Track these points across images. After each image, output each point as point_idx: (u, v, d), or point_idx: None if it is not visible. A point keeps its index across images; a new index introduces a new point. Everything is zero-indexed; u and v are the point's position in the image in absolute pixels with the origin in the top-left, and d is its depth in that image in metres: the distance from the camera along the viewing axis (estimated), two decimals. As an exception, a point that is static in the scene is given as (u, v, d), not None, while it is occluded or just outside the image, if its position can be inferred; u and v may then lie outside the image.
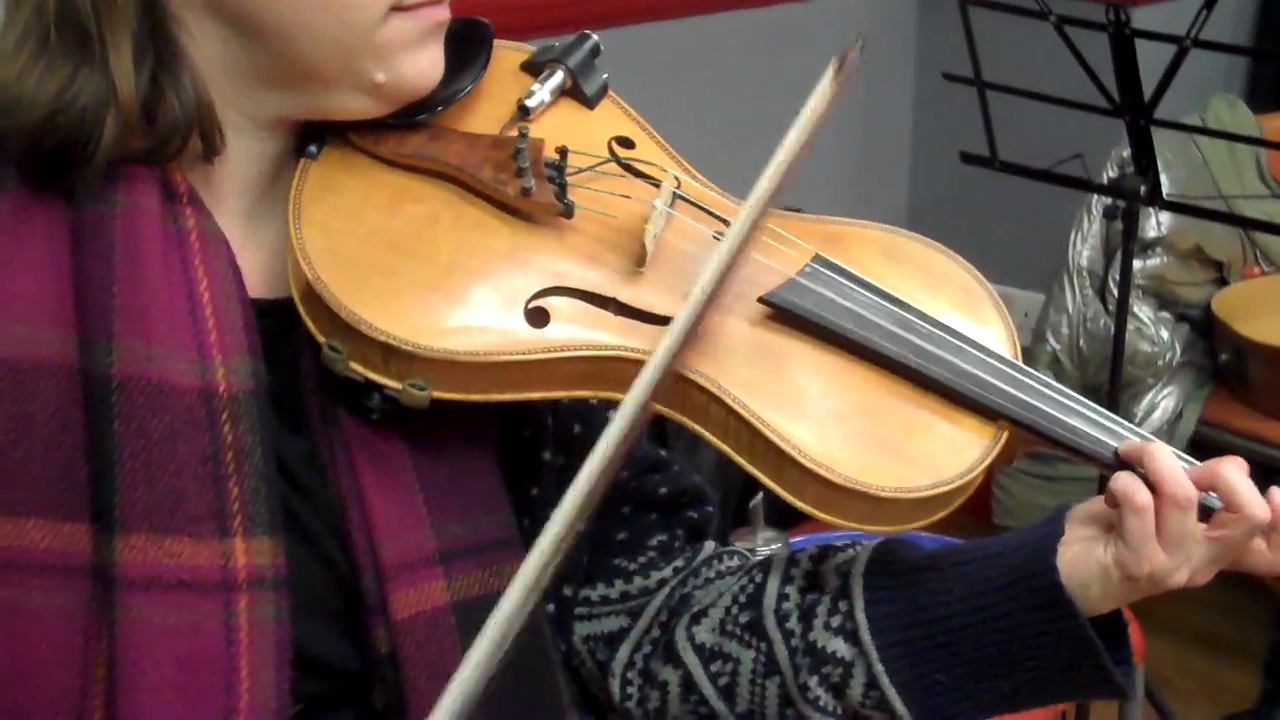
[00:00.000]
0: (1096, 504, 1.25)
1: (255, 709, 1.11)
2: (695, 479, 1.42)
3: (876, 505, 1.17)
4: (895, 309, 1.23)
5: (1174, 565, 1.18)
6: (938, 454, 1.19)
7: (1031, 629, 1.21)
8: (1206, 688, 3.44)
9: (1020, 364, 1.24)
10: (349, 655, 1.19)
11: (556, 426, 1.31)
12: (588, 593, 1.37)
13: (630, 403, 1.00)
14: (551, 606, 1.31)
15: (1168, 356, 3.61)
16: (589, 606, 1.37)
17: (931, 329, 1.23)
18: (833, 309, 1.21)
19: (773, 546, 2.08)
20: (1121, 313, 2.83)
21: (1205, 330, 3.66)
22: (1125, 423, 1.23)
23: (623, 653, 1.36)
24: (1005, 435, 1.21)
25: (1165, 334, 3.62)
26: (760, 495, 2.38)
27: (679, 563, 1.38)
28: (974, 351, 1.22)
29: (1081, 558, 1.20)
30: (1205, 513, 1.18)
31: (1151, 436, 1.22)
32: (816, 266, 1.23)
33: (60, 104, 1.09)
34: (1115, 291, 3.14)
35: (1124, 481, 1.18)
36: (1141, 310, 3.61)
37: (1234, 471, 1.18)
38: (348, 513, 1.17)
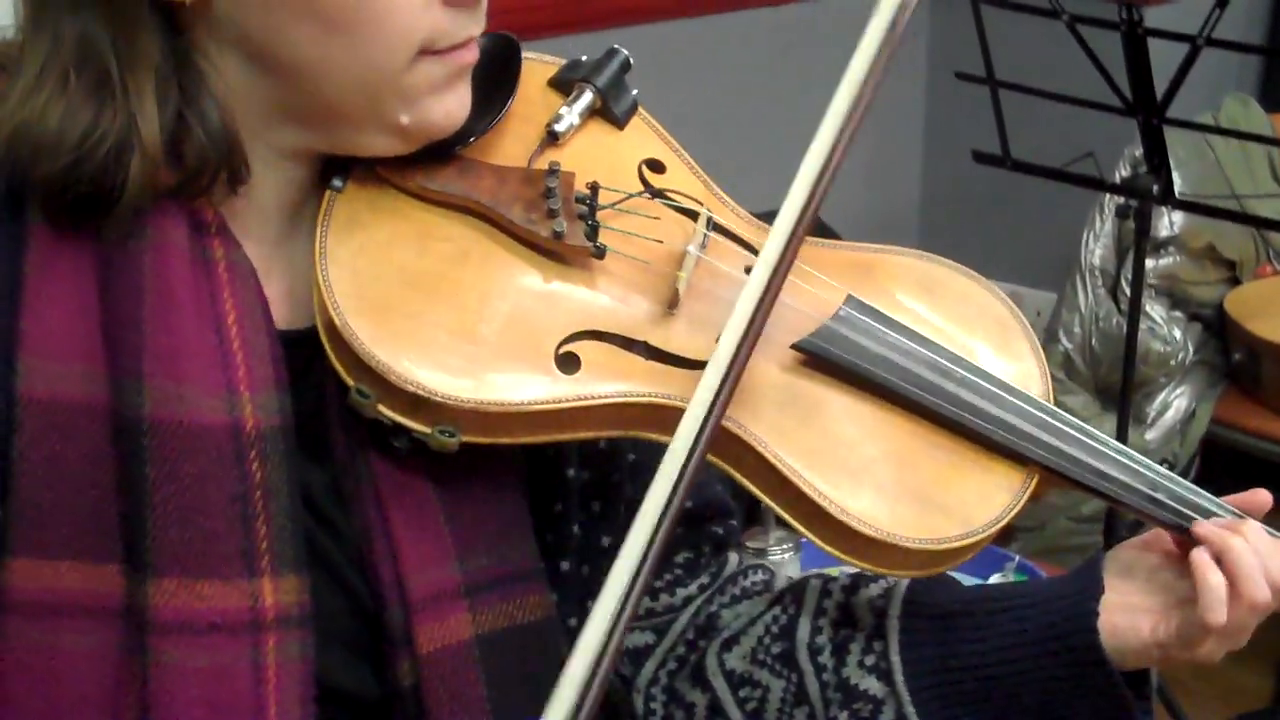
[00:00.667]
0: (1139, 557, 1.25)
1: None
2: (718, 490, 1.40)
3: (904, 554, 1.17)
4: (930, 354, 1.22)
5: (1219, 651, 1.20)
6: (969, 502, 1.18)
7: (1067, 684, 1.22)
8: (1219, 688, 3.43)
9: (1053, 407, 1.23)
10: (368, 684, 1.18)
11: (580, 443, 1.29)
12: None
13: (675, 462, 1.01)
14: (574, 620, 1.30)
15: (1180, 356, 3.61)
16: None
17: (966, 374, 1.21)
18: (867, 356, 1.20)
19: (784, 548, 2.08)
20: (1134, 312, 2.82)
21: (1218, 329, 3.66)
22: (1157, 467, 1.23)
23: (648, 669, 1.36)
24: (1035, 480, 1.21)
25: (1178, 333, 3.62)
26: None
27: (704, 579, 1.38)
28: (1008, 397, 1.21)
29: (1127, 631, 1.21)
30: None
31: (1196, 489, 1.21)
32: (850, 310, 1.22)
33: (84, 150, 1.07)
34: (1128, 290, 3.14)
35: (1216, 590, 1.17)
36: (1154, 309, 3.61)
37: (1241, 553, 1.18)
38: (373, 545, 1.16)
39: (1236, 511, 1.22)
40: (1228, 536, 1.18)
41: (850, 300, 1.22)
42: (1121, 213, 2.90)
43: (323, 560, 1.16)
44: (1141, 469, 1.22)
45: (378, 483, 1.16)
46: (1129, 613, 1.22)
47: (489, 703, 1.16)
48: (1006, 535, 3.91)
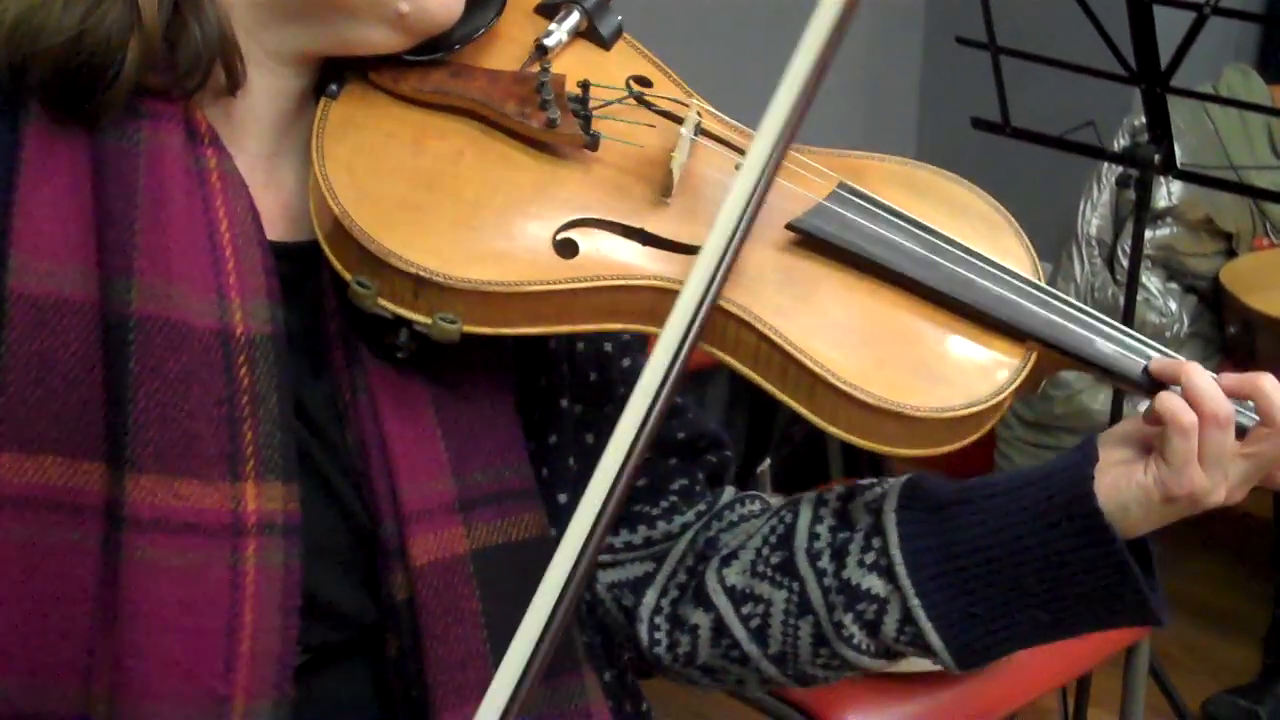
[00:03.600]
0: (1128, 427, 1.24)
1: (257, 654, 1.10)
2: (712, 425, 1.42)
3: (910, 426, 1.17)
4: (923, 234, 1.23)
5: (1213, 484, 1.18)
6: (970, 375, 1.19)
7: (1069, 556, 1.21)
8: (1207, 663, 3.44)
9: (1046, 286, 1.24)
10: (362, 603, 1.19)
11: (573, 375, 1.31)
12: (611, 540, 1.36)
13: (669, 343, 1.00)
14: None
15: (1175, 328, 3.60)
16: (613, 554, 1.37)
17: (959, 253, 1.23)
18: (861, 234, 1.21)
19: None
20: (1132, 283, 2.80)
21: (1213, 302, 3.65)
22: (1152, 343, 1.23)
23: (649, 597, 1.36)
24: (1034, 356, 1.21)
25: (1173, 305, 3.61)
26: (767, 461, 2.35)
27: (700, 507, 1.39)
28: (1002, 274, 1.23)
29: (1120, 481, 1.20)
30: (1240, 431, 1.19)
31: (1180, 357, 1.21)
32: (843, 193, 1.24)
33: (84, 28, 1.08)
34: (1124, 261, 3.12)
35: (1169, 401, 1.17)
36: (1150, 280, 3.60)
37: (1272, 386, 1.18)
38: (369, 457, 1.16)
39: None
40: (1181, 363, 1.19)
41: (843, 184, 1.24)
42: (1122, 182, 2.88)
43: (317, 474, 1.17)
44: (1138, 343, 1.22)
45: (375, 395, 1.16)
46: (1121, 466, 1.21)
47: (483, 616, 1.17)
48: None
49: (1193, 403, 1.17)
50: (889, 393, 1.16)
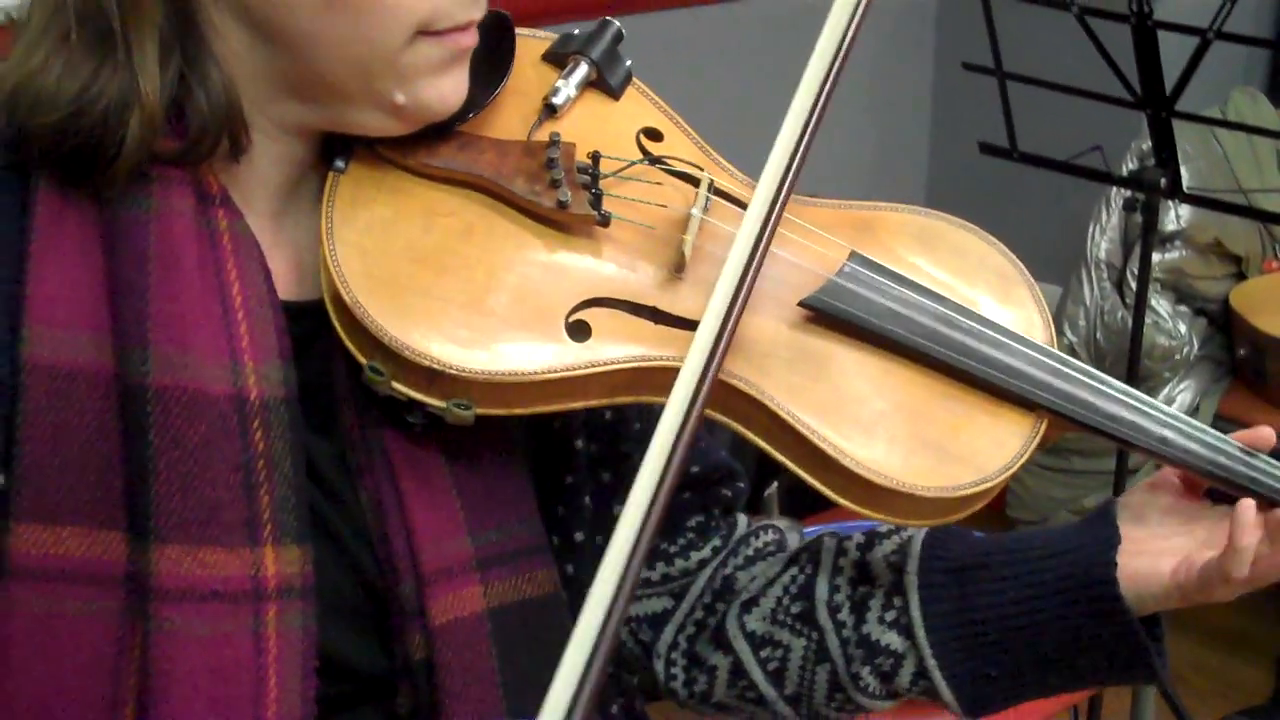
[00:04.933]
0: (1144, 497, 1.26)
1: (282, 717, 1.10)
2: (724, 455, 1.42)
3: (920, 503, 1.17)
4: (934, 305, 1.22)
5: (1235, 594, 1.21)
6: (980, 450, 1.19)
7: (1085, 632, 1.23)
8: (1219, 683, 3.43)
9: (1057, 351, 1.24)
10: (373, 658, 1.18)
11: (587, 414, 1.31)
12: None
13: (672, 417, 1.00)
14: None
15: (1185, 350, 3.60)
16: None
17: (971, 323, 1.22)
18: (873, 309, 1.21)
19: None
20: (1140, 306, 2.81)
21: (1223, 324, 3.65)
22: (1164, 407, 1.23)
23: (667, 634, 1.38)
24: (1044, 425, 1.21)
25: (1183, 328, 3.61)
26: (775, 485, 2.37)
27: (716, 541, 1.40)
28: (1013, 343, 1.22)
29: (1149, 575, 1.22)
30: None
31: (1204, 427, 1.22)
32: (854, 266, 1.22)
33: (81, 103, 1.07)
34: (1133, 284, 3.13)
35: (1246, 553, 1.18)
36: (1159, 303, 3.60)
37: None
38: (385, 517, 1.16)
39: (1244, 447, 1.23)
40: (1257, 464, 1.20)
41: (854, 256, 1.23)
42: (1129, 206, 2.89)
43: (327, 532, 1.17)
44: (1148, 409, 1.22)
45: (390, 455, 1.16)
46: (1148, 557, 1.23)
47: (500, 675, 1.17)
48: (1008, 528, 3.92)
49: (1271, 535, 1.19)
50: (900, 474, 1.16)
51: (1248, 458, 1.22)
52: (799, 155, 1.12)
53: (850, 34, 1.14)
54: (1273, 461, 1.22)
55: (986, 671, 1.26)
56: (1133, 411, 1.22)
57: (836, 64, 1.13)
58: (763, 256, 1.09)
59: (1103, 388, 1.22)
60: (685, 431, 1.00)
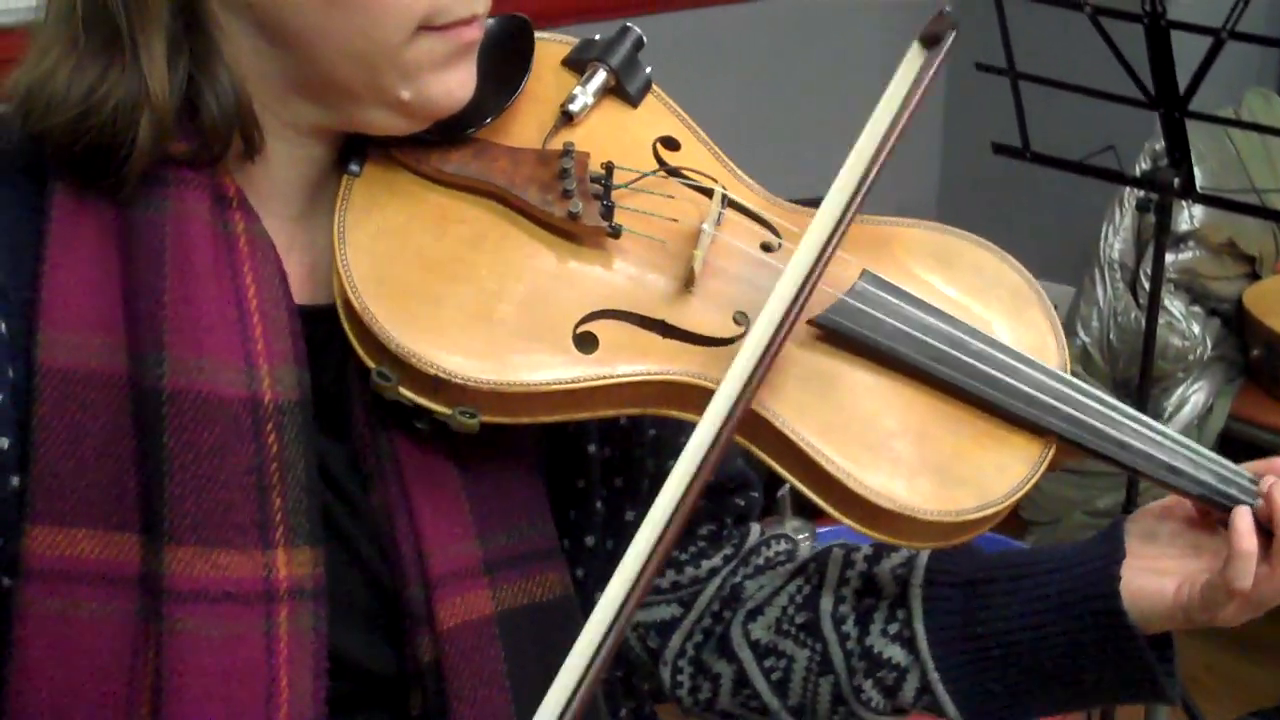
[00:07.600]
0: (1155, 519, 1.26)
1: (293, 718, 1.11)
2: (739, 464, 1.41)
3: (921, 526, 1.17)
4: (946, 327, 1.22)
5: (1241, 616, 1.21)
6: (986, 475, 1.19)
7: (1090, 648, 1.23)
8: (1232, 685, 3.43)
9: (1070, 378, 1.23)
10: (384, 660, 1.19)
11: (600, 419, 1.30)
12: None
13: (699, 445, 1.02)
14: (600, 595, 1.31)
15: (1198, 351, 3.60)
16: None
17: (982, 346, 1.22)
18: (884, 330, 1.20)
19: (800, 536, 2.07)
20: (1153, 306, 2.81)
21: (1236, 325, 3.65)
22: (1175, 435, 1.23)
23: (675, 641, 1.38)
24: (1053, 450, 1.21)
25: (1196, 328, 3.61)
26: (787, 486, 2.36)
27: (728, 550, 1.40)
28: (1024, 367, 1.22)
29: (1153, 593, 1.22)
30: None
31: (1214, 455, 1.22)
32: (866, 285, 1.22)
33: (90, 103, 1.08)
34: (1146, 285, 3.13)
35: (1248, 559, 1.18)
36: (1173, 304, 3.59)
37: None
38: (394, 521, 1.16)
39: (1254, 478, 1.22)
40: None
41: (866, 275, 1.23)
42: (1142, 206, 2.88)
43: (339, 535, 1.17)
44: (1159, 437, 1.22)
45: (400, 460, 1.17)
46: (1154, 575, 1.23)
47: (509, 678, 1.17)
48: (1021, 529, 3.91)
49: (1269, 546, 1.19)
50: (902, 496, 1.16)
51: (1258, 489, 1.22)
52: (853, 206, 1.14)
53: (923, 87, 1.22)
54: None
55: (991, 686, 1.26)
56: (1143, 440, 1.22)
57: (904, 118, 1.18)
58: (808, 296, 1.10)
59: (1114, 414, 1.22)
60: (713, 453, 1.02)
